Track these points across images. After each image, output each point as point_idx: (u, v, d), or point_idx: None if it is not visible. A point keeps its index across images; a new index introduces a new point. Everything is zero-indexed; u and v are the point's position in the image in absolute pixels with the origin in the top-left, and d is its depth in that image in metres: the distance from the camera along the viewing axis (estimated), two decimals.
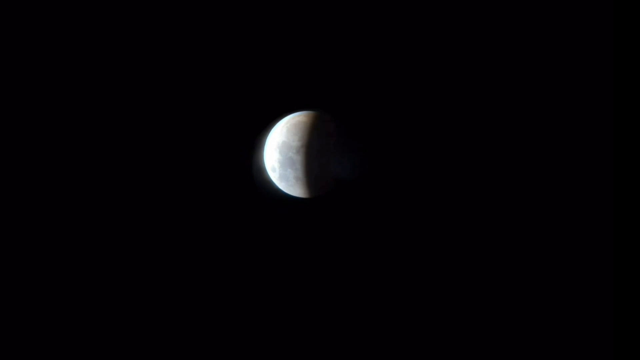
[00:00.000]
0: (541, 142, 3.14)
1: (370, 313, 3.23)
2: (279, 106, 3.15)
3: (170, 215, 3.18)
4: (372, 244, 3.25)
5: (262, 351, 3.19)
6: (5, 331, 3.06)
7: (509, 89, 3.16)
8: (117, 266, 3.16)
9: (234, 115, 3.17)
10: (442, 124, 3.18)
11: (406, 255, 3.23)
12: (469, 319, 3.20)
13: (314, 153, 2.95)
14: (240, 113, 3.17)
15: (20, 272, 3.07)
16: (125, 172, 3.14)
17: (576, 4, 3.04)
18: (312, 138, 2.97)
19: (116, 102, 3.11)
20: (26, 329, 3.08)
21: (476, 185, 3.18)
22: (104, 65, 3.08)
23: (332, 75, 3.12)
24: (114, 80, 3.10)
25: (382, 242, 3.25)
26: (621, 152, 2.86)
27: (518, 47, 3.13)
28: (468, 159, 3.18)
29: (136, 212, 3.15)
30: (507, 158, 3.18)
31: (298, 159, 2.97)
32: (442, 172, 3.19)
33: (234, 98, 3.16)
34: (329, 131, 3.01)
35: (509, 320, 3.19)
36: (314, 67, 3.11)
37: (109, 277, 3.15)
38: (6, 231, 3.03)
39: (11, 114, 3.02)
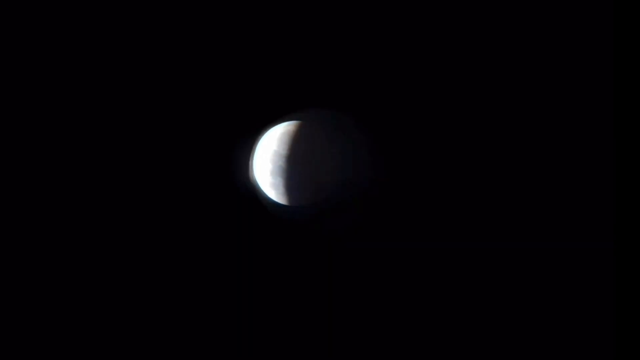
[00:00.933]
0: (552, 145, 3.13)
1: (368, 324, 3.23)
2: (272, 114, 3.15)
3: (158, 224, 3.19)
4: (365, 251, 3.24)
5: None
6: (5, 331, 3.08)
7: (507, 89, 3.15)
8: (102, 272, 3.18)
9: (226, 124, 3.17)
10: (436, 126, 3.17)
11: (399, 259, 3.22)
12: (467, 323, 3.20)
13: (304, 161, 2.97)
14: (232, 121, 3.17)
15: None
16: (114, 178, 3.15)
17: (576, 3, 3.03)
18: (303, 146, 2.99)
19: (102, 107, 3.12)
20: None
21: (482, 187, 3.17)
22: (91, 68, 3.09)
23: (323, 83, 3.13)
24: (100, 85, 3.11)
25: (375, 247, 3.24)
26: (622, 152, 2.84)
27: (515, 49, 3.11)
28: (472, 161, 3.17)
29: (124, 218, 3.16)
30: (505, 159, 3.17)
31: (288, 167, 2.99)
32: (436, 171, 3.19)
33: (226, 105, 3.16)
34: (320, 139, 3.02)
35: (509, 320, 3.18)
36: (306, 73, 3.12)
37: (92, 284, 3.17)
38: None
39: None
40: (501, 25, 3.11)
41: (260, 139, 3.18)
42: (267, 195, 3.14)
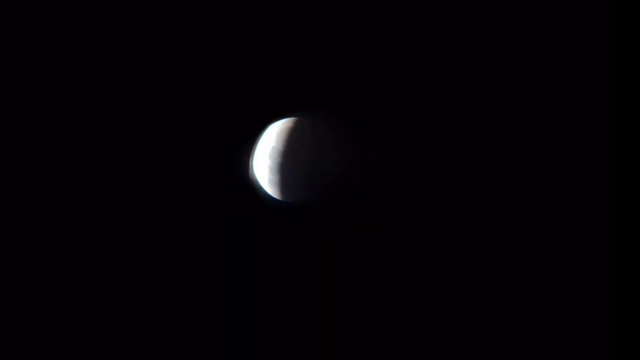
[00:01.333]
0: (552, 145, 3.13)
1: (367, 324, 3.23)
2: (272, 111, 3.16)
3: (158, 223, 3.20)
4: (365, 251, 3.25)
5: None
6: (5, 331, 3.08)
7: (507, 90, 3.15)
8: (102, 271, 3.19)
9: (225, 121, 3.18)
10: (436, 126, 3.17)
11: (393, 258, 3.22)
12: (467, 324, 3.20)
13: (303, 158, 2.98)
14: (231, 119, 3.18)
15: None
16: (112, 177, 3.16)
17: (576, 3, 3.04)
18: (302, 143, 2.99)
19: (99, 105, 3.13)
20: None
21: (482, 187, 3.18)
22: (92, 68, 3.10)
23: (323, 81, 3.14)
24: (99, 82, 3.11)
25: (375, 247, 3.25)
26: (622, 152, 2.84)
27: (514, 51, 3.11)
28: (472, 162, 3.17)
29: (123, 217, 3.16)
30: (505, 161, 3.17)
31: (287, 164, 2.99)
32: (436, 171, 3.19)
33: (225, 103, 3.16)
34: (318, 136, 3.03)
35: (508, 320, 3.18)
36: (307, 71, 3.13)
37: (92, 283, 3.18)
38: None
39: None
40: (501, 26, 3.12)
41: (259, 136, 3.19)
42: (266, 192, 3.15)
